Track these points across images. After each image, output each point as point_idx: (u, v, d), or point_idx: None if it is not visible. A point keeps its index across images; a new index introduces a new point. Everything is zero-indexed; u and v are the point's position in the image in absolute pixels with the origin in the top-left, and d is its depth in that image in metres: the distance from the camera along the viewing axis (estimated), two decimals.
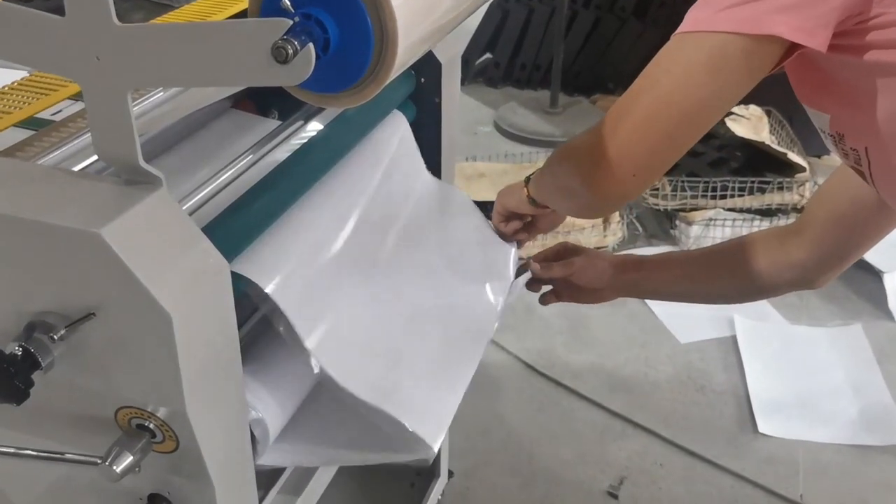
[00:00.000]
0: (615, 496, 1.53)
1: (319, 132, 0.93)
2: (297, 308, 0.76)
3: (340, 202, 0.89)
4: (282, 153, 0.93)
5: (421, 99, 1.09)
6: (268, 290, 0.73)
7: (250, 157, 0.92)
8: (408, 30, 0.58)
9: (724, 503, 1.52)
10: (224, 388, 0.68)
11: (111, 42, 0.57)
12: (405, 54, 0.59)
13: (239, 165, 0.89)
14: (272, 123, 1.04)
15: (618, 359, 1.88)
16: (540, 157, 2.59)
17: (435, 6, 0.63)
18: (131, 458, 0.64)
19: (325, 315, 0.82)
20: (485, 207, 2.36)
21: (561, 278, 1.12)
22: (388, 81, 0.59)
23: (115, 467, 0.63)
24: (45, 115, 0.94)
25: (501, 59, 3.38)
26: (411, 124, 1.08)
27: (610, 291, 1.13)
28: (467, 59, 3.45)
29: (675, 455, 1.62)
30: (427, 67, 1.06)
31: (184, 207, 0.76)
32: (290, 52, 0.53)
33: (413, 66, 1.06)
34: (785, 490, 1.53)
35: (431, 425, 0.86)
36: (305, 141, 0.93)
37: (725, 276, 1.10)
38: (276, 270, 0.76)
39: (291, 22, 0.53)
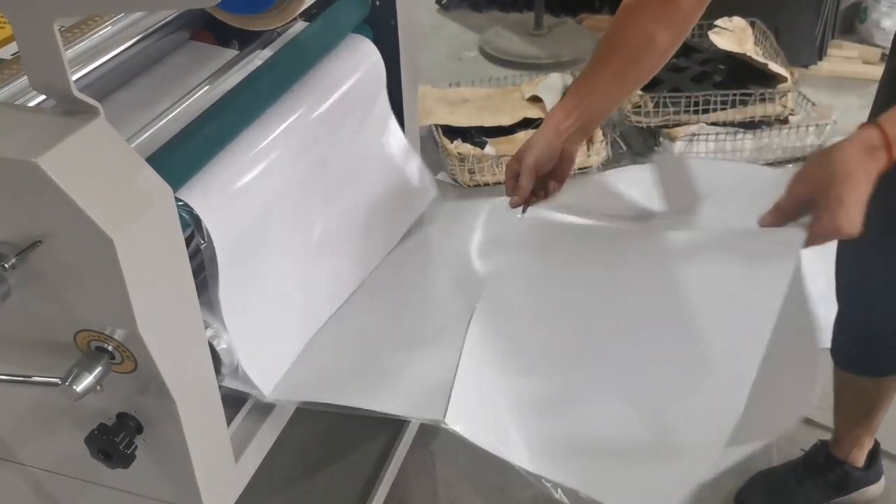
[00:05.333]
0: None
1: (268, 59, 0.93)
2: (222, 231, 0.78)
3: (291, 128, 0.90)
4: (237, 82, 0.94)
5: (377, 22, 1.09)
6: (200, 212, 0.75)
7: (206, 87, 0.94)
8: None
9: None
10: (177, 308, 0.71)
11: None
12: None
13: (196, 96, 0.91)
14: (230, 53, 1.05)
15: None
16: (524, 81, 2.58)
17: None
18: (90, 377, 0.67)
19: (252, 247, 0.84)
20: (468, 133, 2.36)
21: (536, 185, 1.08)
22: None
23: (74, 387, 0.66)
24: (2, 53, 0.95)
25: None
26: None
27: (574, 147, 1.09)
28: None
29: None
30: None
31: (135, 142, 0.78)
32: None
33: None
34: None
35: None
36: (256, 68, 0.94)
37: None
38: (213, 197, 0.77)
39: None
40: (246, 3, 0.60)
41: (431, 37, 3.13)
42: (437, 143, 2.30)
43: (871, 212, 0.83)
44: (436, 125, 2.33)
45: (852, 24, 2.91)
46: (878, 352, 1.24)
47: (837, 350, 1.27)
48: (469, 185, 2.23)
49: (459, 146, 2.24)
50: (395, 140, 1.11)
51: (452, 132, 2.32)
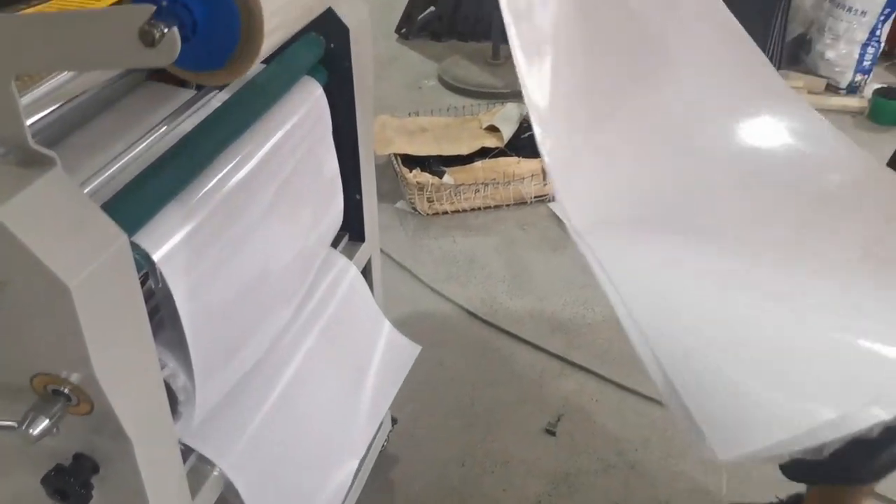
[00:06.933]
0: (553, 433, 1.61)
1: (226, 101, 0.96)
2: (182, 282, 0.80)
3: (246, 170, 0.92)
4: (196, 122, 0.96)
5: (332, 64, 1.12)
6: (155, 257, 0.77)
7: (164, 128, 0.96)
8: (273, 8, 0.62)
9: (654, 432, 1.60)
10: (133, 350, 0.72)
11: None
12: (274, 32, 0.63)
13: (151, 138, 0.93)
14: (188, 93, 1.07)
15: (557, 302, 1.95)
16: (482, 110, 2.63)
17: None
18: (47, 421, 0.69)
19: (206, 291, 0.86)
20: (427, 161, 2.40)
21: None
22: (259, 57, 0.63)
23: (31, 431, 0.68)
24: None
25: (445, 11, 3.38)
26: (325, 88, 1.11)
27: None
28: (410, 14, 3.44)
29: (610, 390, 1.70)
30: (335, 33, 1.09)
31: (91, 186, 0.80)
32: (157, 35, 0.56)
33: (322, 32, 1.10)
34: None
35: None
36: (215, 110, 0.96)
37: None
38: (167, 240, 0.79)
39: (155, 7, 0.56)
40: (198, 61, 0.62)
41: (390, 66, 3.17)
42: (396, 172, 2.33)
43: None
44: (395, 154, 2.36)
45: (798, 56, 3.01)
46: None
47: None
48: (428, 214, 2.27)
49: (418, 175, 2.28)
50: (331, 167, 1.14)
51: (411, 161, 2.36)
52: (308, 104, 1.07)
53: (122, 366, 0.71)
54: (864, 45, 2.84)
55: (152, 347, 0.75)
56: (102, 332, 0.67)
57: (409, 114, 2.60)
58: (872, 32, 2.83)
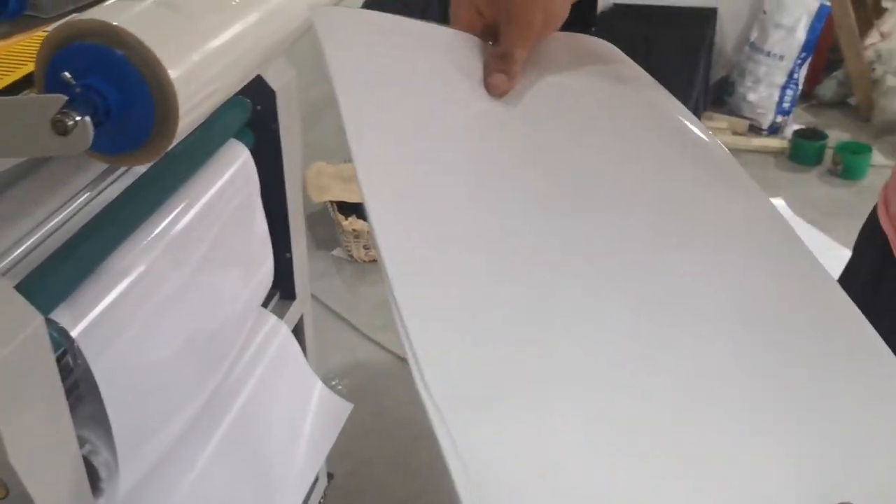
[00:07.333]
0: None
1: (150, 167, 0.95)
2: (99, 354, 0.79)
3: (170, 237, 0.92)
4: (117, 190, 0.95)
5: (259, 126, 1.12)
6: (74, 334, 0.76)
7: (86, 195, 0.95)
8: (188, 92, 0.62)
9: None
10: (49, 434, 0.71)
11: None
12: (189, 113, 0.63)
13: (72, 207, 0.92)
14: None
15: None
16: None
17: (213, 66, 0.68)
18: None
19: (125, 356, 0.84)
20: (362, 208, 2.42)
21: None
22: (177, 137, 0.63)
23: None
24: None
25: None
26: (252, 150, 1.11)
27: None
28: None
29: None
30: (261, 96, 1.10)
31: (5, 261, 0.78)
32: (70, 124, 0.56)
33: (248, 95, 1.10)
34: None
35: None
36: (137, 178, 0.95)
37: None
38: (86, 316, 0.78)
39: (67, 98, 0.56)
40: (113, 144, 0.62)
41: (326, 111, 3.18)
42: (333, 219, 2.33)
43: None
44: (331, 201, 2.37)
45: (722, 98, 3.12)
46: None
47: None
48: (365, 261, 2.27)
49: (354, 222, 2.28)
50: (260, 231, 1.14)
51: (347, 208, 2.36)
52: (235, 167, 1.07)
53: (38, 449, 0.70)
54: (784, 88, 2.96)
55: (70, 428, 0.74)
56: (17, 417, 0.66)
57: (345, 160, 2.61)
58: (790, 75, 2.95)
